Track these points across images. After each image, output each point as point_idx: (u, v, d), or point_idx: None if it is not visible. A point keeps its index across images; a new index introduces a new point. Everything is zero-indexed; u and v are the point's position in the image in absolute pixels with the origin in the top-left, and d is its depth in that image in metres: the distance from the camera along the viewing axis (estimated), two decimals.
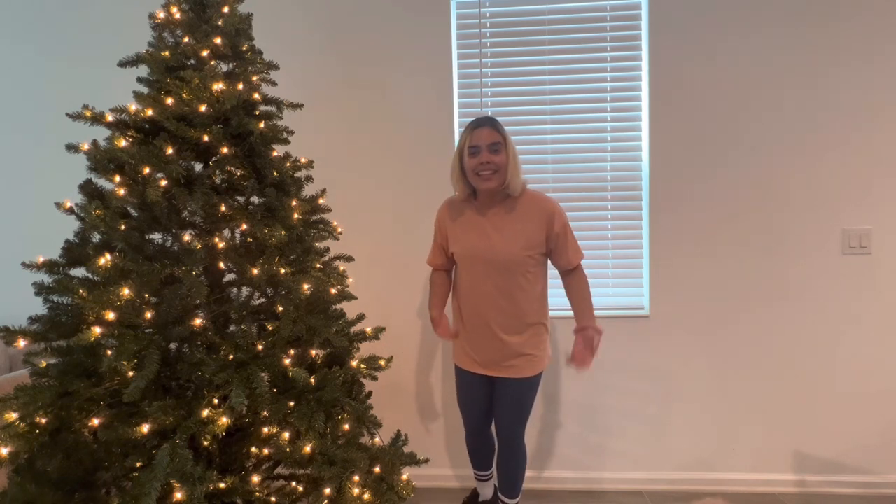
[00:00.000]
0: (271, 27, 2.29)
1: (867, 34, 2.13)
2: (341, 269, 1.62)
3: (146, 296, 1.23)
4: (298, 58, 2.30)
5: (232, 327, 1.42)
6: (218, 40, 1.42)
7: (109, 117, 1.34)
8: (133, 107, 1.36)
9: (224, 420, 1.20)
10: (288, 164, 1.53)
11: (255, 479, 1.31)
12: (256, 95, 1.49)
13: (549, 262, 1.77)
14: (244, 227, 1.37)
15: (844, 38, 2.14)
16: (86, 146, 1.31)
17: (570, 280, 1.73)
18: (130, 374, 1.17)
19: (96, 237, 1.30)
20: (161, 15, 1.44)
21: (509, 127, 2.28)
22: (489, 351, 1.72)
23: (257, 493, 1.30)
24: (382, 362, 1.63)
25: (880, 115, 2.14)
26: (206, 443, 1.24)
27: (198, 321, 1.29)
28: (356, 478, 1.37)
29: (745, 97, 2.18)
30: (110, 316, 1.17)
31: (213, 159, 1.39)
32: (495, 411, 1.78)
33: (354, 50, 2.30)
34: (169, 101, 1.33)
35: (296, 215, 1.45)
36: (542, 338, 1.73)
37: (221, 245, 1.36)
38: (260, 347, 1.34)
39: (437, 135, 2.28)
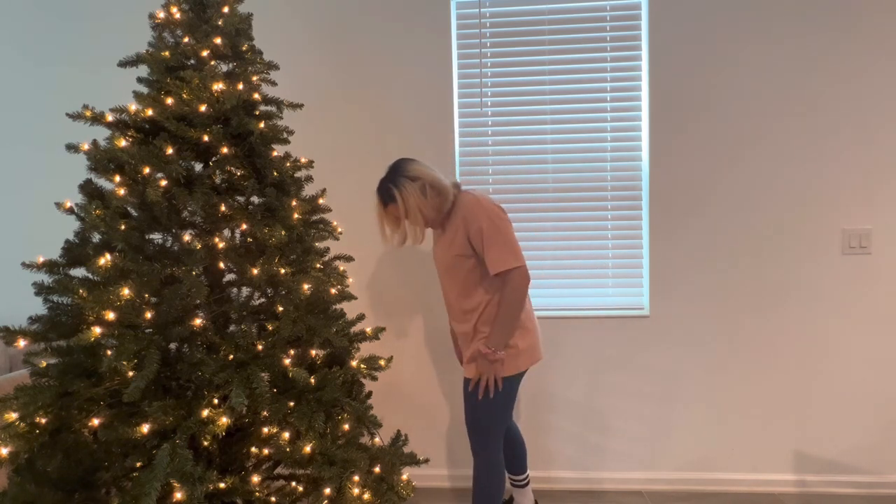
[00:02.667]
0: (271, 27, 2.29)
1: (867, 34, 2.13)
2: (341, 269, 1.62)
3: (146, 296, 1.23)
4: (298, 58, 2.30)
5: (232, 327, 1.42)
6: (218, 40, 1.42)
7: (109, 117, 1.34)
8: (133, 107, 1.36)
9: (224, 420, 1.20)
10: (288, 164, 1.53)
11: (255, 479, 1.31)
12: (256, 95, 1.49)
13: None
14: (244, 227, 1.38)
15: (844, 38, 2.14)
16: (86, 146, 1.31)
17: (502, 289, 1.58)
18: (130, 374, 1.17)
19: (96, 237, 1.30)
20: (161, 15, 1.44)
21: (509, 127, 2.29)
22: (462, 348, 1.73)
23: (257, 493, 1.30)
24: (382, 362, 1.63)
25: (880, 115, 2.14)
26: (206, 443, 1.24)
27: (198, 321, 1.29)
28: (356, 478, 1.37)
29: (744, 97, 2.18)
30: (110, 316, 1.17)
31: (213, 159, 1.39)
32: None
33: (354, 50, 2.30)
34: (169, 101, 1.33)
35: (296, 215, 1.45)
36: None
37: (221, 245, 1.36)
38: (260, 347, 1.34)
39: (437, 134, 2.28)
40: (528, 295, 1.67)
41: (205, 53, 1.41)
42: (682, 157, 2.21)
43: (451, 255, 1.61)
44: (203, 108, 1.35)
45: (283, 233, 1.38)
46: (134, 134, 1.35)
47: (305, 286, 1.40)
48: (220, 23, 1.45)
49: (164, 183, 1.28)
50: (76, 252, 1.30)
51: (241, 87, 1.41)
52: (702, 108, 2.20)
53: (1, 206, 2.44)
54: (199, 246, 1.32)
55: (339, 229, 1.67)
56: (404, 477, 1.56)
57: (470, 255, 1.61)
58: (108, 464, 1.25)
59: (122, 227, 1.25)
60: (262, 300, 1.48)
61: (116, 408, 1.22)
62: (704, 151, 2.21)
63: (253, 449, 1.38)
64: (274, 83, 1.59)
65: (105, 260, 1.19)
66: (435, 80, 2.28)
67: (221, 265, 1.39)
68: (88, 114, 1.30)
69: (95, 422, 1.19)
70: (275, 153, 1.50)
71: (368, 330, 1.66)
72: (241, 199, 1.45)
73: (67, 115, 1.31)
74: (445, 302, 1.73)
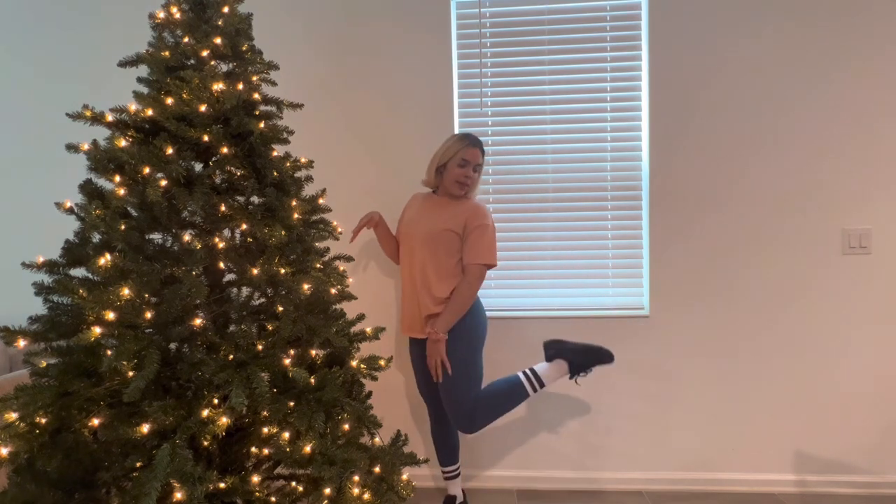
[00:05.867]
0: (271, 27, 2.29)
1: (867, 35, 2.13)
2: (341, 269, 1.62)
3: (146, 296, 1.23)
4: (298, 58, 2.30)
5: (232, 327, 1.42)
6: (218, 40, 1.42)
7: (109, 117, 1.34)
8: (133, 107, 1.36)
9: (224, 420, 1.20)
10: (288, 164, 1.53)
11: (255, 479, 1.31)
12: (256, 95, 1.49)
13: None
14: (244, 227, 1.37)
15: (845, 38, 2.14)
16: (86, 146, 1.31)
17: (463, 278, 1.85)
18: (130, 374, 1.17)
19: (96, 237, 1.30)
20: (161, 15, 1.44)
21: (509, 127, 2.30)
22: (416, 310, 1.88)
23: (257, 493, 1.30)
24: (382, 362, 1.63)
25: (881, 114, 2.14)
26: (206, 443, 1.24)
27: (198, 321, 1.29)
28: (356, 478, 1.37)
29: (744, 97, 2.18)
30: (110, 316, 1.17)
31: (213, 159, 1.39)
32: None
33: (354, 50, 2.30)
34: (169, 101, 1.33)
35: (296, 215, 1.45)
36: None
37: (221, 245, 1.36)
38: (260, 347, 1.34)
39: (437, 134, 2.28)
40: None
41: (205, 53, 1.41)
42: (682, 156, 2.21)
43: (441, 227, 1.82)
44: (203, 108, 1.34)
45: (283, 233, 1.38)
46: (134, 134, 1.35)
47: (305, 286, 1.40)
48: (220, 23, 1.45)
49: (164, 183, 1.27)
50: (76, 252, 1.29)
51: (241, 87, 1.41)
52: (702, 107, 2.20)
53: (1, 206, 2.44)
54: (199, 246, 1.32)
55: (339, 229, 1.66)
56: (404, 477, 1.56)
57: (458, 235, 1.84)
58: (108, 464, 1.25)
59: (122, 227, 1.25)
60: (262, 300, 1.48)
61: (116, 408, 1.22)
62: (704, 151, 2.21)
63: (253, 449, 1.38)
64: (274, 83, 1.59)
65: (105, 260, 1.19)
66: (435, 80, 2.28)
67: (221, 265, 1.39)
68: (88, 114, 1.30)
69: (95, 422, 1.19)
70: (275, 153, 1.50)
71: (368, 330, 1.66)
72: (241, 199, 1.45)
73: (67, 115, 1.31)
74: (415, 268, 1.86)
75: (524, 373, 1.86)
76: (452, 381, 1.80)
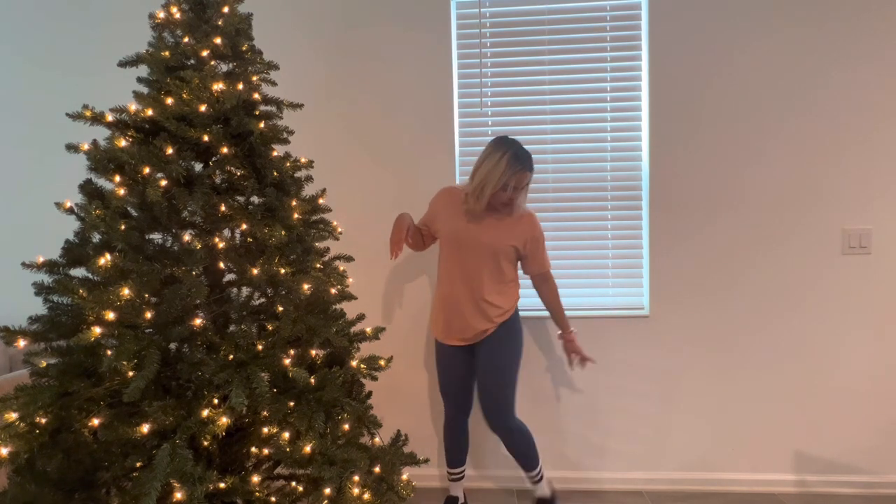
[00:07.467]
0: (271, 27, 2.28)
1: (867, 35, 2.13)
2: (341, 269, 1.61)
3: (146, 296, 1.23)
4: (298, 58, 2.30)
5: (232, 327, 1.42)
6: (218, 40, 1.42)
7: (109, 117, 1.34)
8: (133, 107, 1.36)
9: (224, 420, 1.20)
10: (288, 164, 1.53)
11: (255, 479, 1.31)
12: (256, 95, 1.49)
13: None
14: (244, 227, 1.37)
15: (844, 38, 2.14)
16: (86, 146, 1.31)
17: (544, 286, 1.97)
18: (130, 374, 1.17)
19: (96, 237, 1.30)
20: (161, 15, 1.44)
21: (509, 127, 2.30)
22: (471, 318, 1.87)
23: (257, 493, 1.30)
24: (382, 362, 1.63)
25: (880, 114, 2.14)
26: (206, 443, 1.24)
27: (198, 321, 1.29)
28: (356, 478, 1.37)
29: (744, 97, 2.18)
30: (110, 316, 1.17)
31: (213, 159, 1.39)
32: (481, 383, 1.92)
33: (354, 50, 2.30)
34: (169, 101, 1.33)
35: (296, 215, 1.45)
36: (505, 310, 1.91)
37: (221, 245, 1.36)
38: (260, 347, 1.34)
39: (437, 134, 2.28)
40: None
41: (205, 53, 1.41)
42: (681, 156, 2.21)
43: (508, 242, 1.86)
44: (203, 108, 1.34)
45: (283, 233, 1.38)
46: (134, 134, 1.35)
47: (305, 286, 1.40)
48: (220, 23, 1.45)
49: (164, 183, 1.27)
50: (76, 252, 1.30)
51: (241, 87, 1.41)
52: (702, 107, 2.20)
53: (1, 206, 2.44)
54: (199, 246, 1.32)
55: (339, 229, 1.66)
56: (404, 477, 1.56)
57: (518, 247, 1.88)
58: (108, 464, 1.25)
59: (122, 227, 1.25)
60: (262, 300, 1.48)
61: (116, 408, 1.22)
62: (704, 151, 2.21)
63: (253, 449, 1.38)
64: (274, 83, 1.59)
65: (105, 260, 1.19)
66: (435, 80, 2.28)
67: (221, 265, 1.39)
68: (88, 114, 1.30)
69: (95, 422, 1.19)
70: (275, 153, 1.50)
71: (368, 330, 1.66)
72: (241, 199, 1.45)
73: (67, 115, 1.31)
74: (471, 280, 1.86)
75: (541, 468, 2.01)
76: (508, 376, 1.89)
